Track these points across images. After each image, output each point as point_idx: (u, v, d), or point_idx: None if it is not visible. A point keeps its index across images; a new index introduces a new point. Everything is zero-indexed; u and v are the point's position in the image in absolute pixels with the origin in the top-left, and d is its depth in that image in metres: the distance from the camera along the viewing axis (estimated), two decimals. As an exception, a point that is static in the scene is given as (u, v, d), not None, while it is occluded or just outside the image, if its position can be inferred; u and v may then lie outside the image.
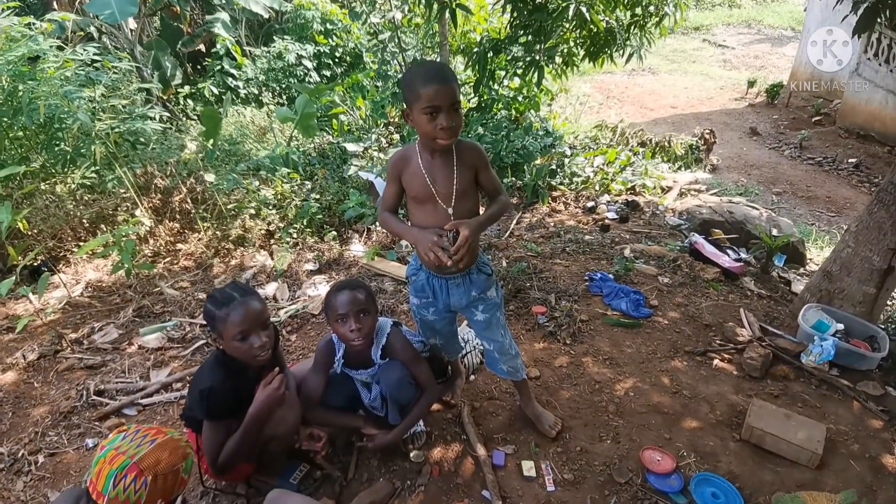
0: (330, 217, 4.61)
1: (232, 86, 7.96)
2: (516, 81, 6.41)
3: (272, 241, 4.26)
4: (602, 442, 2.30)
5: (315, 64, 8.50)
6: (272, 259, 3.99)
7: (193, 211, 4.26)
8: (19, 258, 3.18)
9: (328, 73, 8.69)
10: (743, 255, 4.22)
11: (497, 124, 6.12)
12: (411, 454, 2.17)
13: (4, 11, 4.00)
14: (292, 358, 2.89)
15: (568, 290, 3.42)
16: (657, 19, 4.42)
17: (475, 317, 2.05)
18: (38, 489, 2.16)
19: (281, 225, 4.34)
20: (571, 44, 4.62)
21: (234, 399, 1.75)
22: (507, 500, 2.02)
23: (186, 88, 7.60)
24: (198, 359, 2.94)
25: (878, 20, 2.67)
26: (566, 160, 5.72)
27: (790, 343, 2.89)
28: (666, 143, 7.10)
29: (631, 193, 5.49)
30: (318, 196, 4.65)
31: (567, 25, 4.11)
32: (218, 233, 4.19)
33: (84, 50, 4.33)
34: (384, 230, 4.23)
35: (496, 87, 6.31)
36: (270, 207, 4.43)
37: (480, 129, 6.00)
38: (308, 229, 4.36)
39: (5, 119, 3.81)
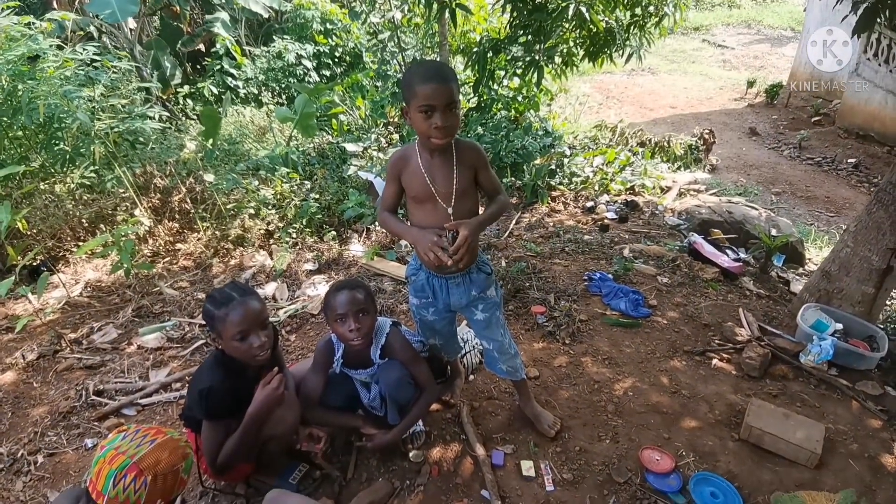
0: (329, 217, 4.61)
1: (231, 85, 7.95)
2: (516, 81, 6.41)
3: (271, 240, 4.26)
4: (601, 441, 2.30)
5: (315, 64, 8.49)
6: (271, 259, 3.99)
7: (193, 211, 4.26)
8: (18, 258, 3.18)
9: (328, 73, 8.68)
10: (742, 255, 4.22)
11: (497, 124, 6.13)
12: (410, 454, 2.17)
13: (4, 11, 4.00)
14: (291, 358, 2.89)
15: (567, 289, 3.42)
16: (657, 19, 4.42)
17: (475, 316, 2.05)
18: (37, 489, 2.16)
19: (280, 225, 4.34)
20: (571, 44, 4.62)
21: (234, 399, 1.76)
22: (506, 500, 2.02)
23: (186, 88, 7.59)
24: (197, 359, 2.94)
25: (878, 20, 2.66)
26: (565, 160, 5.72)
27: (789, 343, 2.90)
28: (665, 143, 7.10)
29: (630, 193, 5.49)
30: (317, 196, 4.65)
31: (567, 25, 4.11)
32: (217, 232, 4.19)
33: (84, 49, 4.33)
34: (383, 230, 4.24)
35: (496, 86, 6.31)
36: (270, 207, 4.44)
37: (480, 129, 6.00)
38: (307, 229, 4.37)
39: (5, 118, 3.81)
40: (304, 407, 2.02)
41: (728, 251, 4.16)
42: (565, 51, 4.63)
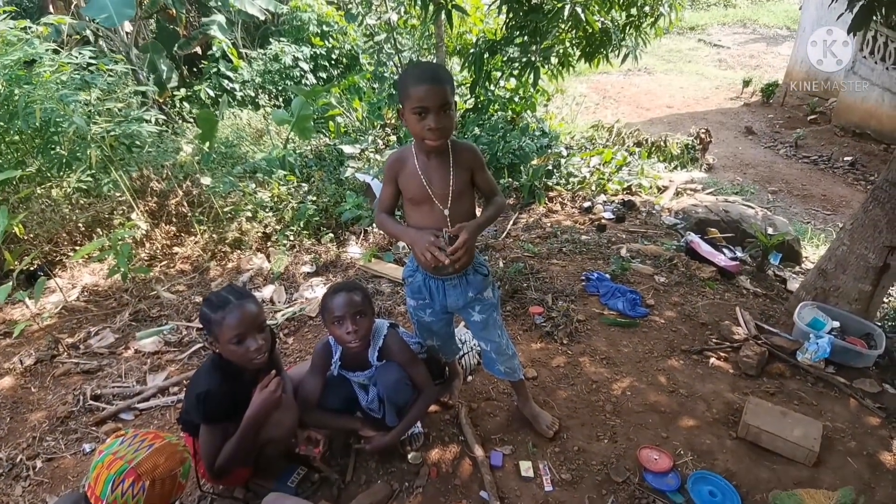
0: (327, 219, 4.61)
1: (228, 88, 7.95)
2: (512, 82, 6.42)
3: (269, 243, 4.26)
4: (599, 441, 2.30)
5: (311, 66, 8.50)
6: (269, 262, 3.99)
7: (190, 214, 4.25)
8: (16, 263, 3.18)
9: (324, 75, 8.68)
10: (739, 254, 4.23)
11: (493, 125, 6.14)
12: (409, 456, 2.17)
13: (1, 15, 3.99)
14: (290, 361, 2.89)
15: (565, 290, 3.43)
16: (652, 19, 4.44)
17: (472, 317, 2.06)
18: (36, 494, 2.16)
19: (278, 227, 4.34)
20: (567, 44, 4.63)
21: (231, 402, 1.75)
22: (505, 501, 2.02)
23: (182, 91, 7.58)
24: (195, 362, 2.94)
25: (874, 18, 2.66)
26: (562, 160, 5.73)
27: (786, 341, 2.90)
28: (662, 143, 7.12)
29: (627, 193, 5.50)
30: (314, 198, 4.65)
31: (563, 26, 4.11)
32: (214, 236, 4.19)
33: (80, 53, 4.32)
34: (381, 232, 4.24)
35: (492, 87, 6.32)
36: (267, 210, 4.43)
37: (477, 130, 6.01)
38: (305, 231, 4.37)
39: (2, 123, 3.81)
40: (302, 410, 2.02)
41: (725, 250, 4.17)
42: (561, 51, 4.64)
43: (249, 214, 4.34)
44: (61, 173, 4.18)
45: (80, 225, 4.05)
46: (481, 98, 6.38)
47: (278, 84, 8.22)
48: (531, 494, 2.05)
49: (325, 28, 8.75)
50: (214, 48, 7.97)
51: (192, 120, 6.97)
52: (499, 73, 5.43)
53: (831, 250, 3.07)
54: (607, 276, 3.58)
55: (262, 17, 8.79)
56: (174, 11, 7.84)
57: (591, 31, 4.19)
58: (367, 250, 4.05)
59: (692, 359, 2.85)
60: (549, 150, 5.88)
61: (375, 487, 2.04)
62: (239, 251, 4.13)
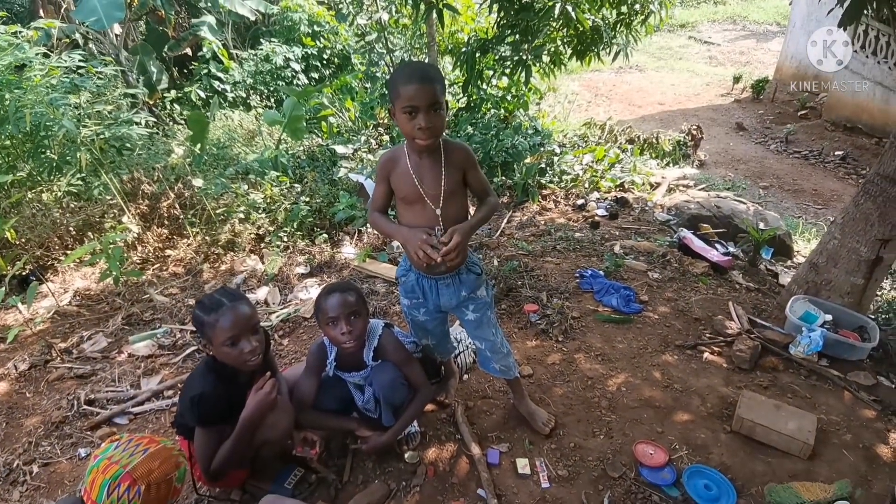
0: (320, 220, 4.60)
1: (219, 89, 7.91)
2: (505, 81, 6.42)
3: (262, 244, 4.24)
4: (595, 437, 2.31)
5: (303, 66, 8.46)
6: (263, 263, 3.98)
7: (182, 216, 4.23)
8: (8, 268, 3.15)
9: (316, 76, 8.66)
10: (731, 249, 4.26)
11: (486, 124, 6.14)
12: (406, 455, 2.17)
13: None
14: (285, 362, 2.89)
15: (559, 287, 3.44)
16: (643, 17, 4.45)
17: (466, 316, 2.06)
18: (34, 499, 2.16)
19: (271, 229, 4.33)
20: (558, 43, 4.65)
21: (226, 405, 1.75)
22: (502, 499, 2.03)
23: (173, 93, 7.53)
24: (189, 366, 2.93)
25: (865, 12, 2.67)
26: (555, 158, 5.74)
27: (778, 335, 2.93)
28: (654, 140, 7.15)
29: (620, 190, 5.52)
30: (307, 199, 4.64)
31: (553, 24, 4.13)
32: (207, 238, 4.17)
33: (69, 57, 4.29)
34: (375, 231, 4.24)
35: (485, 86, 6.32)
36: (260, 211, 4.42)
37: (470, 129, 6.01)
38: (298, 232, 4.35)
39: (-7, 128, 3.78)
40: (297, 411, 2.02)
41: (717, 245, 4.20)
42: (553, 50, 4.65)
43: (242, 216, 4.32)
44: (52, 177, 4.14)
45: (70, 229, 4.02)
46: (474, 97, 6.38)
47: (270, 85, 8.18)
48: (528, 491, 2.06)
49: (316, 28, 8.73)
50: (205, 49, 7.92)
51: (182, 122, 6.93)
52: (491, 72, 5.44)
53: (822, 244, 3.09)
54: (601, 272, 3.59)
55: (253, 18, 8.75)
56: (163, 13, 7.79)
57: (581, 29, 4.20)
58: (362, 250, 4.04)
59: (686, 354, 2.87)
60: (542, 149, 5.89)
61: (372, 487, 2.05)
62: (232, 253, 4.12)
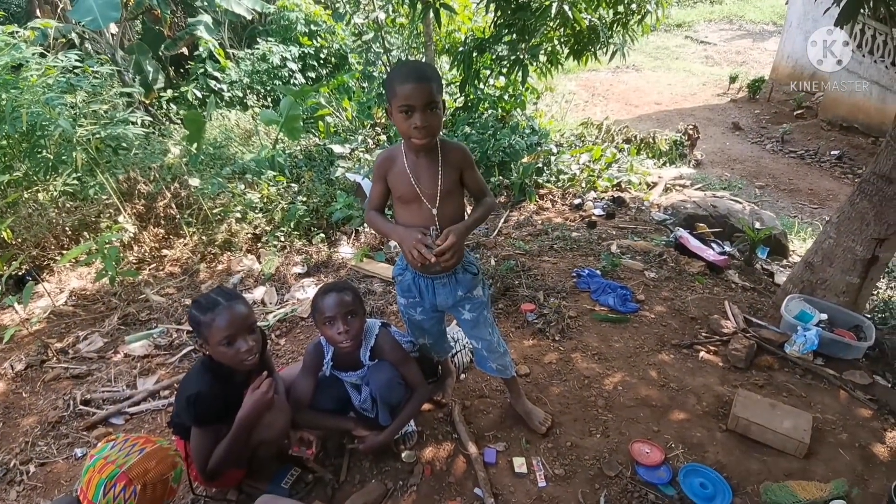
0: (317, 219, 4.59)
1: (216, 89, 7.89)
2: (502, 80, 6.43)
3: (259, 244, 4.24)
4: (592, 436, 2.32)
5: (300, 66, 8.45)
6: (259, 263, 3.97)
7: (178, 216, 4.22)
8: (4, 267, 3.15)
9: (313, 75, 8.64)
10: (727, 249, 4.27)
11: (484, 123, 6.14)
12: (403, 454, 2.17)
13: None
14: (282, 362, 2.88)
15: (556, 286, 3.45)
16: (639, 17, 4.46)
17: (462, 316, 2.06)
18: (30, 498, 2.16)
19: (268, 228, 4.32)
20: (555, 42, 4.65)
21: (223, 404, 1.75)
22: (499, 497, 2.03)
23: (169, 92, 7.52)
24: (185, 365, 2.92)
25: (861, 11, 2.67)
26: (553, 158, 5.75)
27: (774, 334, 2.93)
28: (650, 140, 7.17)
29: (617, 190, 5.53)
30: (304, 198, 4.63)
31: (550, 24, 4.12)
32: (204, 237, 4.16)
33: (65, 56, 4.28)
34: (372, 231, 4.23)
35: (482, 86, 6.32)
36: (257, 211, 4.41)
37: (467, 129, 6.02)
38: (295, 232, 4.35)
39: (-11, 128, 3.77)
40: (294, 411, 2.02)
41: (713, 245, 4.21)
42: (550, 49, 4.65)
43: (239, 216, 4.31)
44: (48, 177, 4.13)
45: (66, 229, 4.01)
46: (471, 96, 6.39)
47: (266, 84, 8.17)
48: (525, 490, 2.06)
49: (312, 27, 8.71)
50: (201, 49, 7.90)
51: (179, 121, 6.92)
52: (488, 72, 5.44)
53: (818, 243, 3.09)
54: (598, 272, 3.60)
55: (249, 17, 8.73)
56: (160, 12, 7.77)
57: (578, 28, 4.20)
58: (359, 250, 4.04)
59: (682, 353, 2.88)
60: (540, 148, 5.90)
61: (370, 487, 2.05)
62: (229, 253, 4.11)
